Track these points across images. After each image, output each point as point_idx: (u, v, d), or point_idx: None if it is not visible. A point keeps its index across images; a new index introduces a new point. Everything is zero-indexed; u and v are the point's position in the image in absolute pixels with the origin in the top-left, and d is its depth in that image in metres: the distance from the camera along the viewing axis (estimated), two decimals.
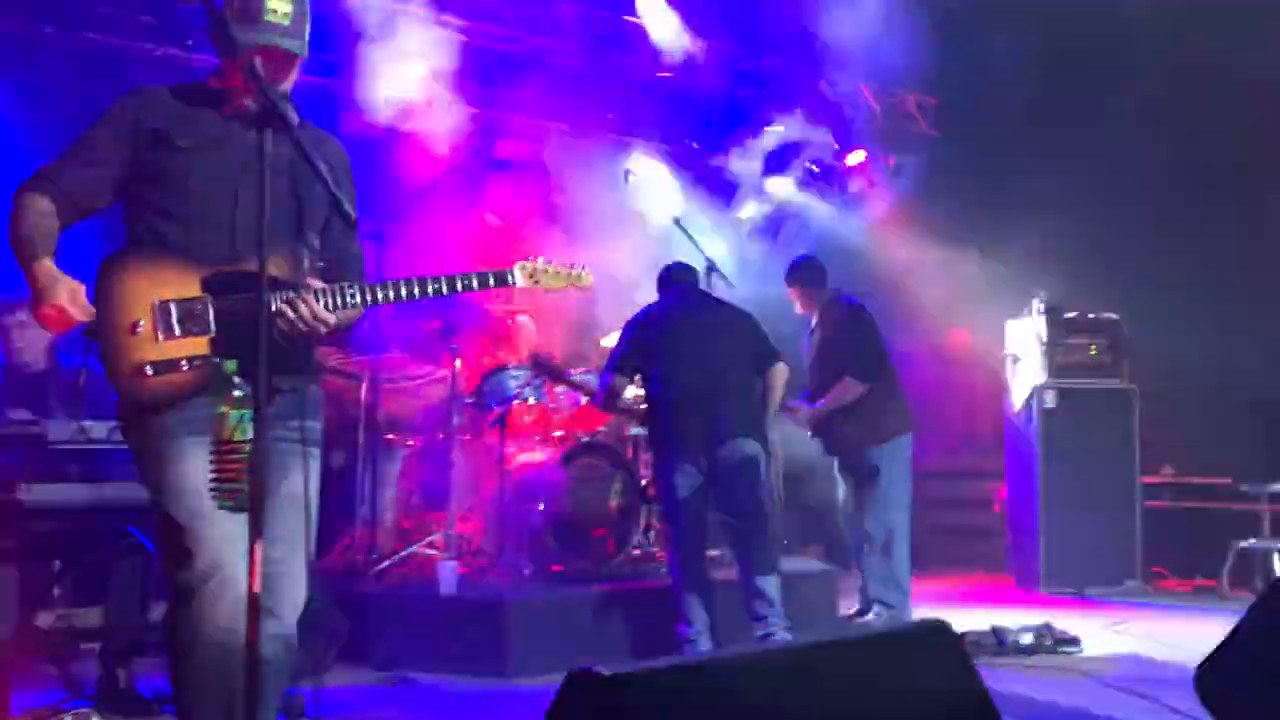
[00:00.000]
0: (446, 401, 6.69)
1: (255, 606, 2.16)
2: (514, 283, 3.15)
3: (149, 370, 2.62)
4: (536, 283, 3.20)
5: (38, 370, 5.03)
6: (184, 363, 2.64)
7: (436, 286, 2.92)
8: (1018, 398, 8.17)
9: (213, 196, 2.76)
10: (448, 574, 5.40)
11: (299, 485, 2.76)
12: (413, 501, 6.41)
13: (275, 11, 2.70)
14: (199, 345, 2.66)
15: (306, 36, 2.82)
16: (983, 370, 9.29)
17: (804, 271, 6.42)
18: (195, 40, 6.25)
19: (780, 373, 5.54)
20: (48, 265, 2.64)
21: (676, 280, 5.67)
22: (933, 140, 9.50)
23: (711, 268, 6.30)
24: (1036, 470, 7.86)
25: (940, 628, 1.91)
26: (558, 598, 5.48)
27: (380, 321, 6.77)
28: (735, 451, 5.19)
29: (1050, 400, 7.88)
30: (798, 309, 6.49)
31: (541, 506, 5.94)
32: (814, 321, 6.41)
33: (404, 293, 2.88)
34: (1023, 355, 8.17)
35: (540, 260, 3.23)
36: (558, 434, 6.54)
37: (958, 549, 8.80)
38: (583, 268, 3.30)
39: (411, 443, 6.63)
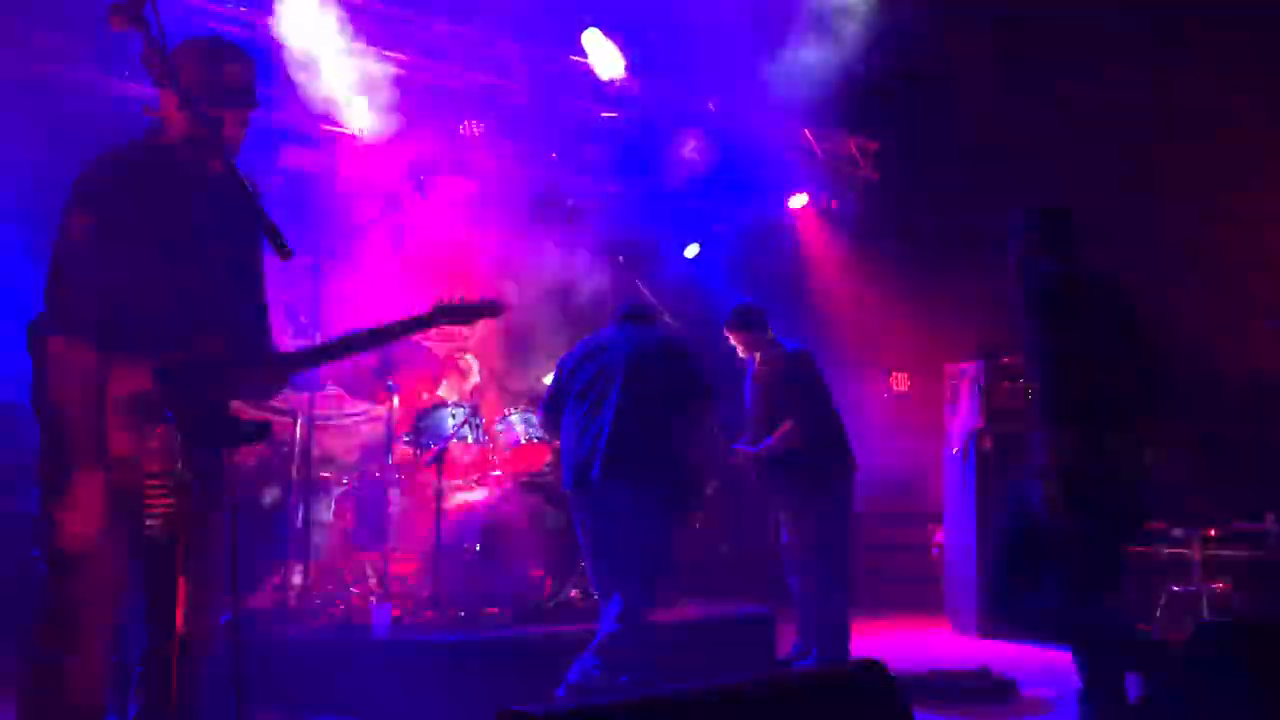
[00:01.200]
0: (382, 439, 6.63)
1: (180, 638, 2.11)
2: (434, 324, 3.29)
3: (126, 458, 2.66)
4: (459, 322, 3.31)
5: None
6: (151, 450, 2.66)
7: (366, 341, 3.06)
8: (955, 441, 8.27)
9: (172, 271, 2.80)
10: (381, 616, 5.33)
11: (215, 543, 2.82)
12: (347, 541, 6.31)
13: (235, 73, 2.83)
14: (160, 436, 2.68)
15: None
16: (921, 413, 9.41)
17: (744, 316, 6.48)
18: (130, 71, 6.21)
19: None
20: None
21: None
22: (873, 183, 9.66)
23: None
24: (974, 514, 7.94)
25: (874, 668, 1.92)
26: (493, 641, 5.41)
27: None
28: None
29: (987, 444, 7.98)
30: (739, 353, 6.54)
31: (478, 547, 5.90)
32: (755, 366, 6.47)
33: (337, 354, 3.03)
34: (962, 399, 8.28)
35: (460, 298, 3.35)
36: (495, 473, 6.50)
37: (896, 592, 8.85)
38: (496, 299, 3.43)
39: (346, 481, 6.55)
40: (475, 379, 7.09)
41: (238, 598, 2.63)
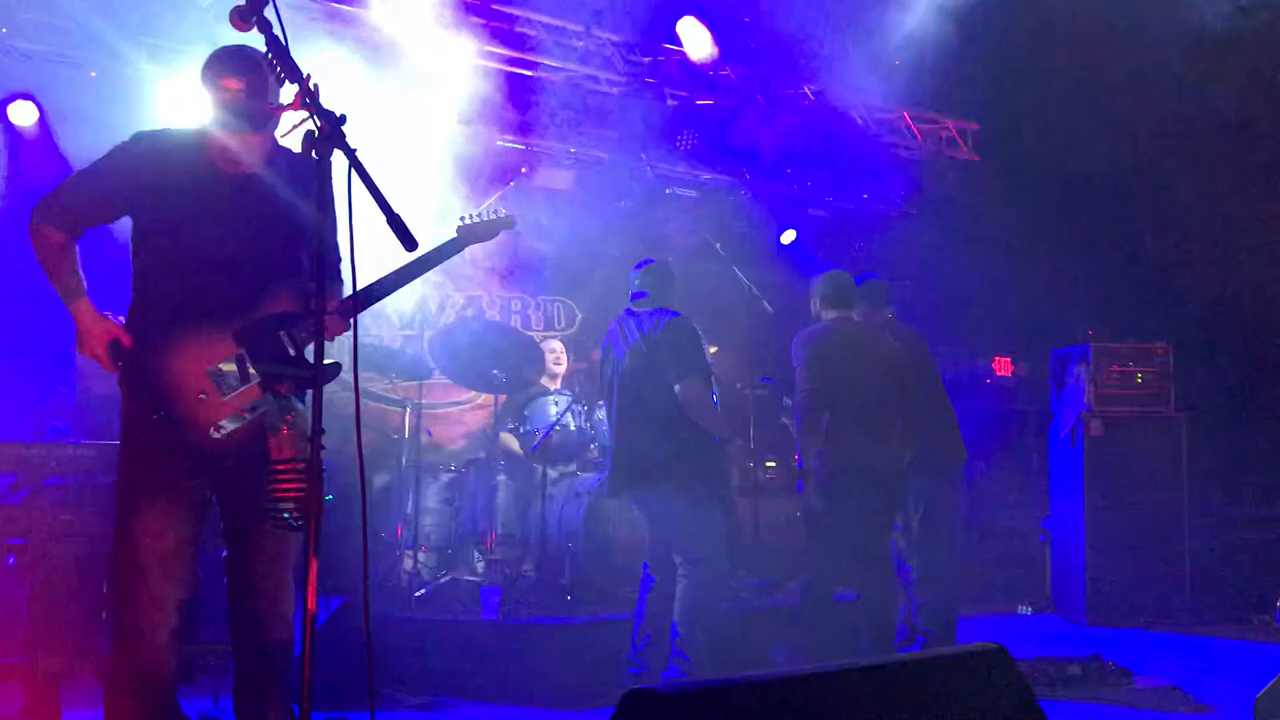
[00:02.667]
0: (488, 427, 6.74)
1: (311, 620, 2.18)
2: (463, 245, 3.62)
3: (228, 425, 2.88)
4: (481, 238, 3.66)
5: (104, 396, 5.09)
6: (247, 412, 2.88)
7: (409, 272, 3.28)
8: (1063, 426, 8.09)
9: (217, 250, 3.00)
10: (490, 599, 5.42)
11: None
12: (455, 526, 6.43)
13: (229, 89, 3.00)
14: (253, 393, 2.91)
15: (270, 101, 3.05)
16: (1027, 398, 9.22)
17: (867, 291, 6.40)
18: None
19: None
20: (85, 307, 3.00)
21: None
22: (974, 165, 9.46)
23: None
24: (1082, 500, 7.76)
25: (997, 652, 1.90)
26: (600, 624, 5.46)
27: (423, 347, 6.85)
28: None
29: (1095, 428, 7.79)
30: None
31: (580, 531, 5.95)
32: None
33: (391, 288, 3.25)
34: (1069, 383, 8.09)
35: (471, 216, 3.69)
36: (597, 459, 6.54)
37: (1002, 580, 8.68)
38: (508, 214, 3.76)
39: (453, 468, 6.66)
40: (563, 366, 7.13)
41: (368, 580, 2.68)
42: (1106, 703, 5.16)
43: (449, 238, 3.70)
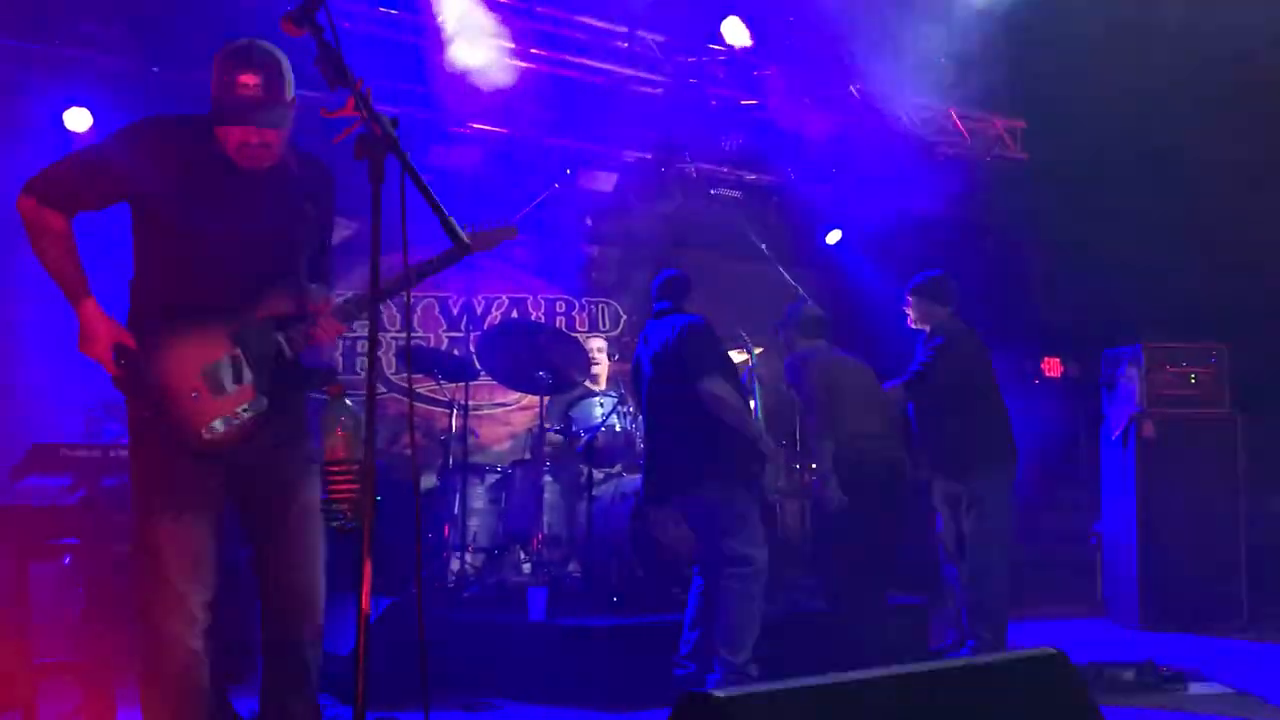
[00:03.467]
0: (534, 427, 6.76)
1: (365, 621, 2.19)
2: (464, 254, 3.30)
3: (218, 426, 2.87)
4: (484, 247, 3.50)
5: None
6: (240, 413, 2.89)
7: (411, 278, 3.08)
8: (1115, 428, 7.97)
9: (218, 248, 2.94)
10: (537, 600, 5.43)
11: (313, 498, 2.96)
12: (501, 527, 6.46)
13: (246, 85, 2.89)
14: (246, 393, 2.91)
15: (286, 99, 2.98)
16: (1078, 398, 9.09)
17: (925, 286, 6.38)
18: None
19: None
20: (92, 308, 2.90)
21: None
22: (1022, 163, 9.36)
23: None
24: (1134, 502, 7.64)
25: (1057, 658, 1.87)
26: (647, 626, 5.46)
27: (469, 348, 6.88)
28: None
29: (1148, 430, 7.67)
30: (910, 322, 6.44)
31: (627, 531, 5.95)
32: (927, 338, 6.34)
33: (391, 294, 3.12)
34: (1120, 383, 7.98)
35: (472, 227, 3.50)
36: (643, 459, 6.53)
37: (1053, 582, 8.57)
38: (509, 224, 3.60)
39: (500, 469, 6.69)
40: (601, 365, 7.14)
41: (420, 581, 2.70)
42: (1161, 708, 5.08)
43: (446, 250, 3.67)
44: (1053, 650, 1.91)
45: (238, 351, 2.89)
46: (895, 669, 1.72)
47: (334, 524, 2.40)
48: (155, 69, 6.35)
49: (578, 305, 8.59)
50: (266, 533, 3.00)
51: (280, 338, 2.96)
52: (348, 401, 2.45)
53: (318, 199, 3.10)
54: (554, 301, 8.48)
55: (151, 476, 2.93)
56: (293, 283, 3.03)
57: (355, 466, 2.37)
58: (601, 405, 6.58)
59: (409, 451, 6.97)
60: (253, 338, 2.91)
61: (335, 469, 2.38)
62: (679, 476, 5.01)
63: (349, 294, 3.14)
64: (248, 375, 2.90)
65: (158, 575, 2.87)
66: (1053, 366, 9.89)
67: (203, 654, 2.93)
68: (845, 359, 5.96)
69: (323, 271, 3.20)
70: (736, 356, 6.05)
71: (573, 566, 6.15)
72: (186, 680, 2.91)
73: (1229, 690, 5.54)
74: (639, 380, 5.29)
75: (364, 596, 2.19)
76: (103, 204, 2.99)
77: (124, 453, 4.28)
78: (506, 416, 7.98)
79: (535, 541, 6.13)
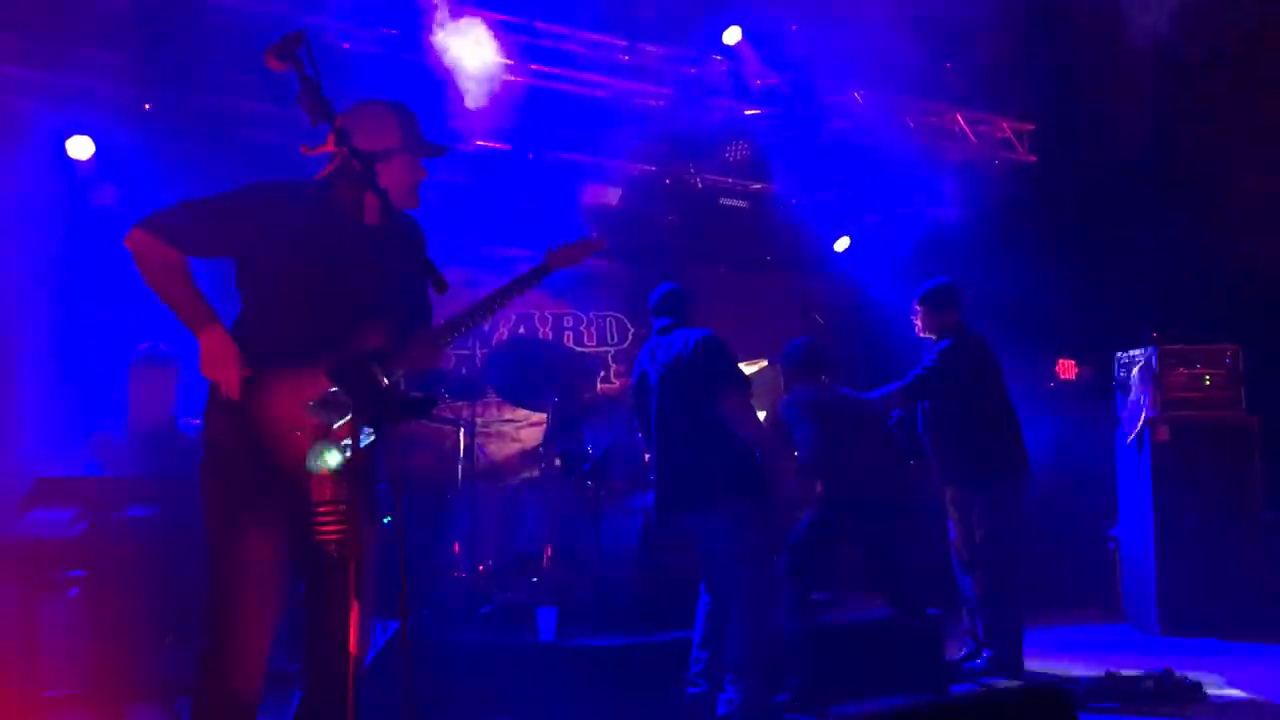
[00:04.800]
0: (543, 445, 6.74)
1: (355, 664, 2.17)
2: (550, 270, 3.69)
3: (326, 460, 2.81)
4: (570, 263, 3.70)
5: (155, 423, 5.16)
6: (346, 446, 2.84)
7: (498, 300, 3.34)
8: (1129, 431, 7.90)
9: (321, 290, 3.01)
10: (546, 620, 5.41)
11: (371, 531, 3.01)
12: (510, 546, 6.44)
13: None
14: (347, 428, 2.87)
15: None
16: (1092, 401, 9.02)
17: (933, 294, 6.36)
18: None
19: None
20: (220, 332, 2.95)
21: None
22: (1030, 165, 9.31)
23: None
24: (1151, 507, 7.57)
25: (1056, 698, 1.83)
26: (658, 645, 5.43)
27: (475, 365, 6.88)
28: None
29: (1163, 433, 7.60)
30: (917, 330, 6.41)
31: (637, 549, 5.92)
32: (934, 348, 6.31)
33: (481, 318, 3.31)
34: (1133, 386, 7.91)
35: (558, 243, 3.74)
36: (653, 476, 6.51)
37: (1070, 588, 8.50)
38: (596, 235, 3.81)
39: (509, 486, 6.67)
40: (607, 382, 7.14)
41: (405, 611, 2.67)
42: (1180, 717, 5.02)
43: (536, 264, 3.71)
44: (1057, 689, 1.87)
45: (336, 387, 2.85)
46: (899, 703, 1.69)
47: (321, 564, 2.38)
48: (159, 96, 6.38)
49: (585, 320, 8.58)
50: (325, 567, 2.93)
51: (377, 369, 2.93)
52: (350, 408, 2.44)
53: (415, 247, 3.22)
54: (561, 316, 8.47)
55: (236, 497, 2.94)
56: (387, 319, 3.10)
57: (342, 506, 2.36)
58: (610, 421, 6.55)
59: (417, 469, 6.97)
60: (350, 372, 2.86)
61: (323, 509, 2.37)
62: (690, 492, 4.94)
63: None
64: (349, 409, 2.88)
65: (239, 591, 2.90)
66: (1067, 369, 9.81)
67: (263, 674, 2.98)
68: (843, 397, 5.93)
69: (420, 306, 3.28)
70: (747, 369, 6.03)
71: (582, 585, 6.11)
72: (244, 697, 2.95)
73: (1248, 697, 5.48)
74: (644, 395, 5.21)
75: (352, 640, 2.17)
76: (210, 255, 3.10)
77: (129, 486, 4.31)
78: (516, 433, 7.97)
79: (544, 560, 6.11)
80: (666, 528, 5.21)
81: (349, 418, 2.81)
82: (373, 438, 2.83)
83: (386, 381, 2.94)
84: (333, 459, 2.70)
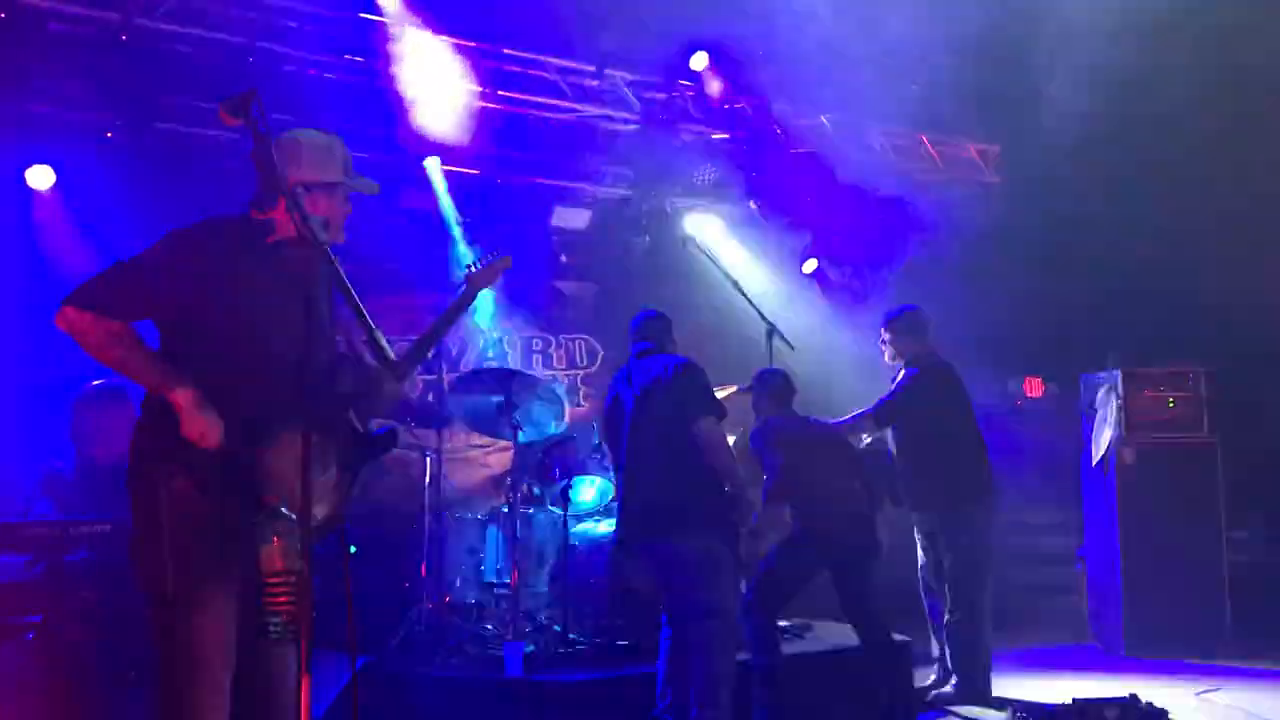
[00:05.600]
0: (510, 472, 6.67)
1: None
2: (474, 295, 3.76)
3: (318, 515, 2.80)
4: (487, 283, 3.78)
5: (108, 461, 5.06)
6: (332, 496, 2.90)
7: (436, 333, 3.45)
8: (1095, 453, 7.93)
9: (280, 344, 2.90)
10: (514, 654, 5.35)
11: None
12: (476, 577, 6.37)
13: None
14: (333, 479, 2.92)
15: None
16: (1060, 419, 9.05)
17: (906, 323, 6.35)
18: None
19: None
20: (194, 397, 2.81)
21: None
22: (998, 188, 9.35)
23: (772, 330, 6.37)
24: (1117, 528, 7.60)
25: None
26: (627, 679, 5.38)
27: (443, 391, 6.81)
28: None
29: (1128, 456, 7.63)
30: (885, 357, 6.40)
31: (604, 581, 5.88)
32: (899, 374, 6.30)
33: (420, 357, 3.39)
34: (1098, 409, 7.94)
35: (474, 264, 3.79)
36: (619, 503, 6.46)
37: (1038, 608, 8.52)
38: (498, 254, 3.89)
39: (476, 516, 6.61)
40: (576, 405, 7.10)
41: (355, 651, 2.62)
42: None
43: (459, 290, 3.78)
44: None
45: (319, 440, 2.76)
46: None
47: (271, 636, 2.32)
48: (121, 124, 6.29)
49: (554, 342, 8.54)
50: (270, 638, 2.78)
51: (350, 415, 2.95)
52: (284, 509, 2.38)
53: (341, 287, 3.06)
54: (530, 340, 8.42)
55: (199, 566, 2.78)
56: (350, 361, 3.08)
57: (293, 578, 2.30)
58: (579, 450, 6.51)
59: (383, 497, 6.90)
60: (326, 422, 2.87)
61: (273, 580, 2.31)
62: (658, 521, 4.86)
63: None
64: (333, 460, 2.89)
65: (200, 666, 2.75)
66: (1034, 387, 9.86)
67: None
68: (812, 425, 5.91)
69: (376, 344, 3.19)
70: (720, 393, 6.01)
71: (550, 618, 6.06)
72: None
73: None
74: (617, 419, 5.14)
75: (304, 712, 2.12)
76: (150, 315, 2.94)
77: (86, 529, 4.23)
78: (484, 459, 7.91)
79: (511, 592, 6.04)
80: (631, 556, 5.14)
81: (332, 472, 2.77)
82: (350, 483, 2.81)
83: (360, 427, 2.92)
84: (323, 512, 2.67)
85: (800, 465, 5.58)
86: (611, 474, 6.50)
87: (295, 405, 2.75)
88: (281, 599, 2.31)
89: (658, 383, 4.94)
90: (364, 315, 2.54)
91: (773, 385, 5.90)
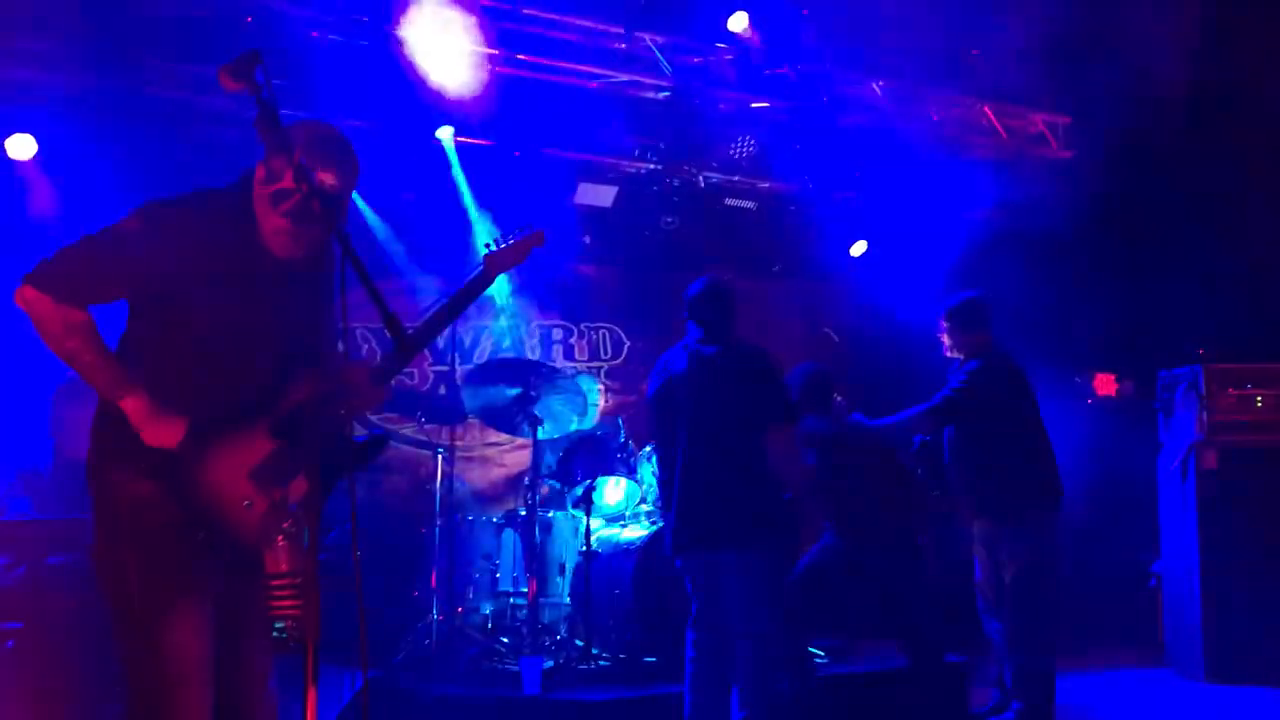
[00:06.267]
0: (527, 472, 6.72)
1: None
2: (492, 276, 3.60)
3: (277, 534, 2.75)
4: (512, 262, 3.65)
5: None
6: (298, 508, 2.80)
7: (445, 316, 3.33)
8: (1172, 457, 7.90)
9: (245, 340, 2.88)
10: (531, 671, 5.40)
11: None
12: (491, 586, 6.43)
13: (323, 182, 2.86)
14: (300, 486, 2.82)
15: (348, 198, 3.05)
16: (1133, 423, 9.02)
17: (965, 311, 6.34)
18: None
19: None
20: (147, 404, 2.80)
21: None
22: (1068, 163, 9.30)
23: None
24: (1196, 540, 7.56)
25: None
26: (650, 698, 5.43)
27: (456, 383, 6.87)
28: None
29: (1209, 460, 7.59)
30: (945, 351, 6.40)
31: (630, 592, 5.92)
32: (961, 368, 6.29)
33: (426, 341, 3.29)
34: (1178, 408, 7.90)
35: (495, 241, 3.66)
36: (647, 509, 6.51)
37: (1108, 629, 8.50)
38: (536, 229, 3.75)
39: (492, 519, 6.67)
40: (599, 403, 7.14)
41: (366, 663, 2.65)
42: None
43: (475, 271, 3.65)
44: None
45: (283, 444, 2.81)
46: None
47: (276, 642, 2.37)
48: (107, 90, 6.36)
49: (576, 332, 8.58)
50: (247, 621, 2.82)
51: (323, 419, 2.88)
52: (291, 507, 2.43)
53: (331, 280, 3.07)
54: (550, 329, 8.47)
55: (168, 575, 2.76)
56: (323, 362, 3.01)
57: (299, 580, 2.35)
58: (602, 449, 6.55)
59: (390, 498, 6.97)
60: (294, 426, 2.83)
61: (278, 583, 2.36)
62: (718, 528, 4.77)
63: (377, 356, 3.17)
64: (299, 467, 2.82)
65: (178, 682, 2.72)
66: (1106, 384, 9.82)
67: None
68: (854, 425, 5.91)
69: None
70: None
71: (571, 630, 6.11)
72: None
73: None
74: (669, 411, 4.97)
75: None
76: (110, 300, 2.90)
77: (68, 529, 4.30)
78: (500, 458, 7.97)
79: (529, 603, 6.10)
80: (683, 564, 5.00)
81: (302, 477, 2.77)
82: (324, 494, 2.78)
83: (335, 431, 2.88)
84: (284, 526, 2.65)
85: (838, 467, 5.60)
86: (638, 475, 6.55)
87: (260, 405, 2.78)
88: (287, 602, 2.36)
89: (725, 377, 4.85)
90: (378, 295, 2.55)
91: (808, 383, 5.91)
